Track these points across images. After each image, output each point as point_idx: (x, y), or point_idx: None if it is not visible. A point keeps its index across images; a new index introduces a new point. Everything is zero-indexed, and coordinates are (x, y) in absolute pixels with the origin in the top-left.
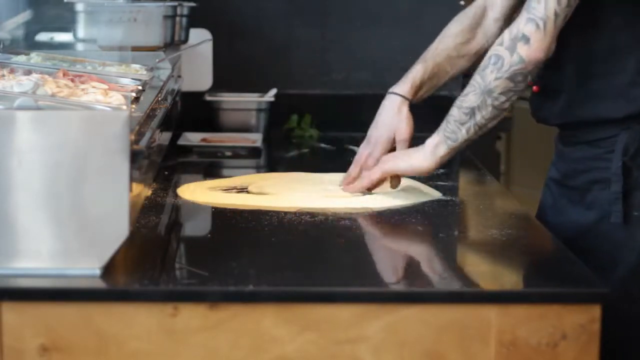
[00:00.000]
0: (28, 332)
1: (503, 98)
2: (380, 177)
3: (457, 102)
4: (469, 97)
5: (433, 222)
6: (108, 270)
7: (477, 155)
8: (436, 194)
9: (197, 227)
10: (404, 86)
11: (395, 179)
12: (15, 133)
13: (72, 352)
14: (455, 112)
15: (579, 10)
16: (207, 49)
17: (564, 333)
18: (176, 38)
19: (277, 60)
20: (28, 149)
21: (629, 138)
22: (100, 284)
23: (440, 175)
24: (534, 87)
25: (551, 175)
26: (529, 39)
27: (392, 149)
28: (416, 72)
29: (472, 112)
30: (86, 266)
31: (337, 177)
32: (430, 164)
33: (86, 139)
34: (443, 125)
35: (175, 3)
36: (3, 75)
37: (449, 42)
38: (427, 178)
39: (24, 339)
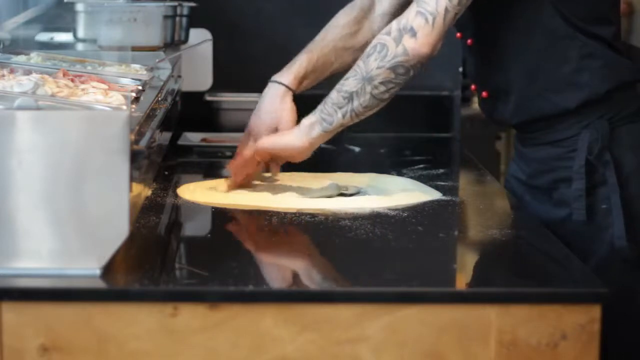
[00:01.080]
0: (28, 332)
1: (383, 88)
2: (251, 153)
3: (338, 86)
4: (349, 82)
5: (433, 222)
6: (108, 270)
7: (477, 155)
8: (436, 194)
9: (197, 227)
10: (288, 76)
11: (274, 166)
12: (15, 133)
13: (72, 352)
14: (334, 95)
15: (511, 7)
16: (207, 49)
17: (564, 333)
18: (176, 38)
19: (277, 60)
20: (28, 149)
21: (592, 137)
22: (100, 284)
23: (440, 175)
24: (483, 93)
25: (512, 173)
26: (416, 33)
27: None
28: (300, 63)
29: (350, 97)
30: (86, 266)
31: (335, 176)
32: (303, 143)
33: (86, 139)
34: (320, 106)
35: (175, 3)
36: (3, 75)
37: (335, 32)
38: (427, 178)
39: (24, 339)
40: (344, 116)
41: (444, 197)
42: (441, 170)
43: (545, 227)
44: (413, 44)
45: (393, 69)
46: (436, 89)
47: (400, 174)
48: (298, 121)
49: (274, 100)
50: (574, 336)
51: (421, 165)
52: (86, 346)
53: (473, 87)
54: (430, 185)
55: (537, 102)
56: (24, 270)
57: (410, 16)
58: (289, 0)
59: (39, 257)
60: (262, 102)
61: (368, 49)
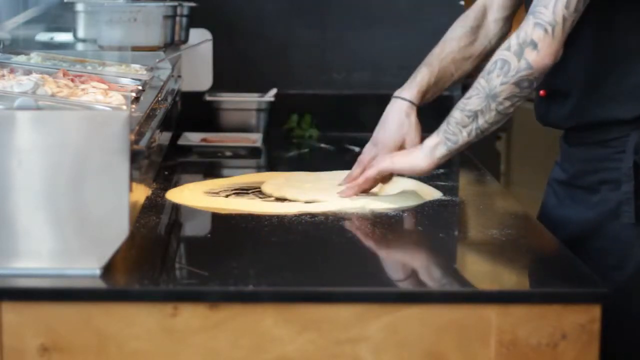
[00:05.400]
0: (28, 332)
1: (508, 103)
2: (376, 175)
3: (460, 105)
4: (472, 100)
5: (433, 222)
6: (108, 270)
7: (477, 155)
8: (436, 194)
9: (197, 227)
10: (412, 91)
11: (386, 178)
12: (15, 133)
13: (72, 352)
14: (457, 115)
15: (590, 13)
16: (207, 49)
17: (564, 333)
18: (176, 38)
19: (277, 60)
20: (28, 149)
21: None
22: (100, 284)
23: (440, 175)
24: (541, 92)
25: (555, 176)
26: (537, 45)
27: None
28: (423, 77)
29: (475, 116)
30: (86, 266)
31: (339, 175)
32: (428, 164)
33: (86, 139)
34: (444, 126)
35: (175, 3)
36: (3, 75)
37: (453, 45)
38: (427, 178)
39: (24, 339)
40: (469, 134)
41: (444, 197)
42: (441, 170)
43: (583, 230)
44: (535, 56)
45: (517, 83)
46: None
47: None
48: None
49: (400, 116)
50: (574, 336)
51: None
52: (86, 346)
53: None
54: (430, 185)
55: (594, 109)
56: (24, 270)
57: (528, 29)
58: (289, 0)
59: (39, 257)
60: (388, 117)
61: (489, 66)
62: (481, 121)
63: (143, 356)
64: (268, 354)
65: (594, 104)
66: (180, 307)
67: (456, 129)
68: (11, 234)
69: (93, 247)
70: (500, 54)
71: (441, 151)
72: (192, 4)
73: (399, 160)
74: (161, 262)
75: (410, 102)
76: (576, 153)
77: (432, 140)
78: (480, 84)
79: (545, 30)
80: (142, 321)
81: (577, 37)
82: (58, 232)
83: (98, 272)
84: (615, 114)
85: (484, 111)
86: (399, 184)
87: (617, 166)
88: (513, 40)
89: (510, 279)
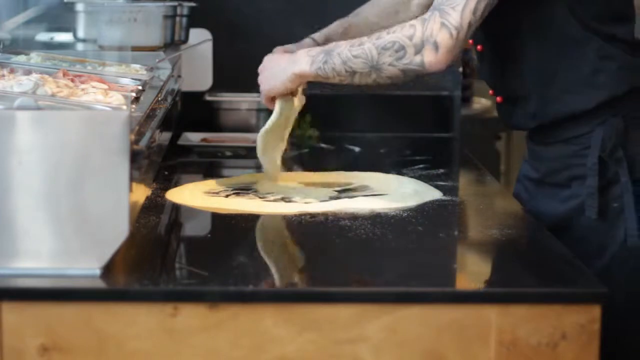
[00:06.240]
0: (28, 332)
1: (387, 80)
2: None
3: (343, 54)
4: (357, 61)
5: (433, 222)
6: (108, 270)
7: (477, 155)
8: (436, 194)
9: (197, 227)
10: (319, 34)
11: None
12: (15, 133)
13: (72, 352)
14: (337, 62)
15: (522, 12)
16: (207, 49)
17: (564, 333)
18: (176, 38)
19: None
20: (28, 149)
21: (605, 133)
22: (100, 284)
23: (441, 175)
24: (498, 98)
25: (525, 173)
26: (438, 47)
27: None
28: (334, 28)
29: (353, 74)
30: (86, 266)
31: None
32: (290, 88)
33: (86, 139)
34: (319, 63)
35: (175, 3)
36: (3, 75)
37: (372, 11)
38: (427, 178)
39: (24, 339)
40: (340, 82)
41: (444, 197)
42: (441, 170)
43: (557, 224)
44: (433, 57)
45: (404, 72)
46: (436, 89)
47: (400, 174)
48: None
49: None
50: (574, 336)
51: (421, 165)
52: (86, 346)
53: (491, 92)
54: (430, 185)
55: (555, 105)
56: (24, 270)
57: (435, 28)
58: (288, 0)
59: (39, 257)
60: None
61: (385, 42)
62: (356, 79)
63: (143, 356)
64: (268, 354)
65: (553, 101)
66: (180, 307)
67: (331, 74)
68: (11, 234)
69: (93, 247)
70: (400, 37)
71: (307, 79)
72: (192, 4)
73: (264, 82)
74: (161, 262)
75: (314, 40)
76: (543, 152)
77: (303, 67)
78: (372, 53)
79: (450, 34)
80: (142, 321)
81: (518, 40)
82: (58, 232)
83: (98, 272)
84: (576, 105)
85: (363, 75)
86: (399, 184)
87: (584, 162)
88: (418, 31)
89: (510, 279)
